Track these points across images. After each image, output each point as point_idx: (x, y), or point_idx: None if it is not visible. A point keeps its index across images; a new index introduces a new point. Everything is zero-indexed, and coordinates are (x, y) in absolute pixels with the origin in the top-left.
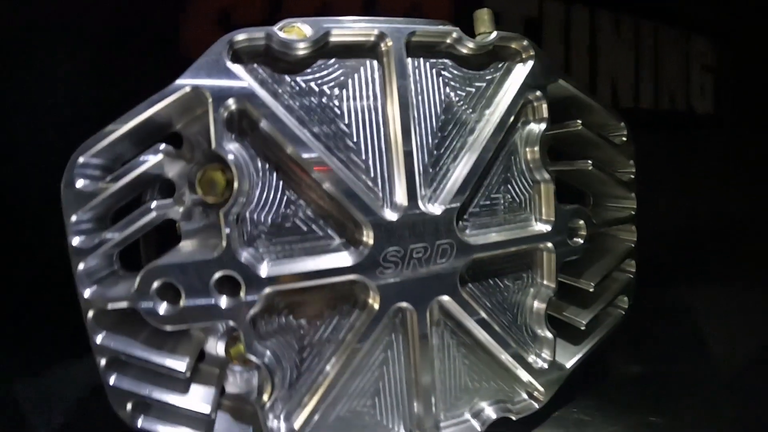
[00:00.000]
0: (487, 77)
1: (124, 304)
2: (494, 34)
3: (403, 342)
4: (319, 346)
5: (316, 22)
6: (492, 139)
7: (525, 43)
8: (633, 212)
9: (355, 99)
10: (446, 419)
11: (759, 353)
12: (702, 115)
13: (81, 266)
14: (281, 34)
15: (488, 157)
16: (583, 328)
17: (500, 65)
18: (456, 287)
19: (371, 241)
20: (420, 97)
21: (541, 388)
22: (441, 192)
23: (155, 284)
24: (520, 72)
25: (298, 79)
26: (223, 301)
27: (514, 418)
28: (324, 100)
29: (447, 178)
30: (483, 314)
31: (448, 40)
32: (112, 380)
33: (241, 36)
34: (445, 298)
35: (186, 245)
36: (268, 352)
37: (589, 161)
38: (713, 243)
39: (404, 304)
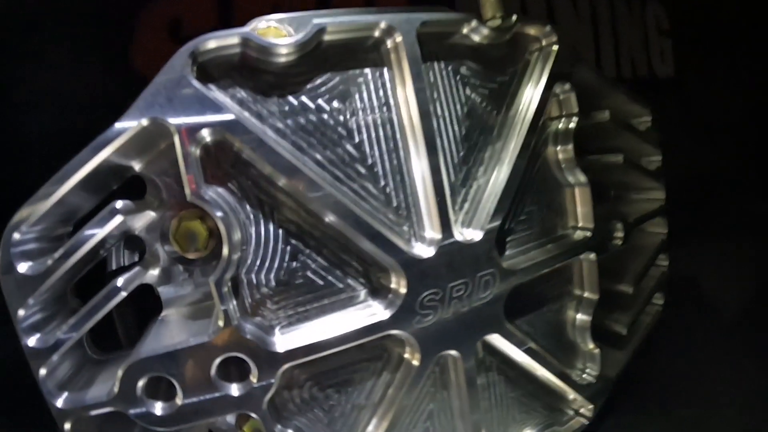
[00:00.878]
0: (508, 70)
1: (107, 410)
2: (513, 18)
3: (448, 390)
4: (354, 414)
5: (301, 19)
6: (525, 144)
7: (547, 28)
8: (663, 203)
9: (363, 113)
10: None
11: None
12: (664, 79)
13: (43, 372)
14: (260, 38)
15: (523, 166)
16: (624, 333)
17: (520, 55)
18: (501, 321)
19: (404, 288)
20: (438, 102)
21: (588, 404)
22: (474, 214)
23: (141, 382)
24: (543, 62)
25: (287, 94)
26: (233, 390)
27: None
28: (324, 117)
29: (479, 196)
30: (529, 343)
31: (465, 30)
32: None
33: (208, 44)
34: (492, 336)
35: (171, 316)
36: None
37: (621, 155)
38: (685, 202)
39: (448, 352)
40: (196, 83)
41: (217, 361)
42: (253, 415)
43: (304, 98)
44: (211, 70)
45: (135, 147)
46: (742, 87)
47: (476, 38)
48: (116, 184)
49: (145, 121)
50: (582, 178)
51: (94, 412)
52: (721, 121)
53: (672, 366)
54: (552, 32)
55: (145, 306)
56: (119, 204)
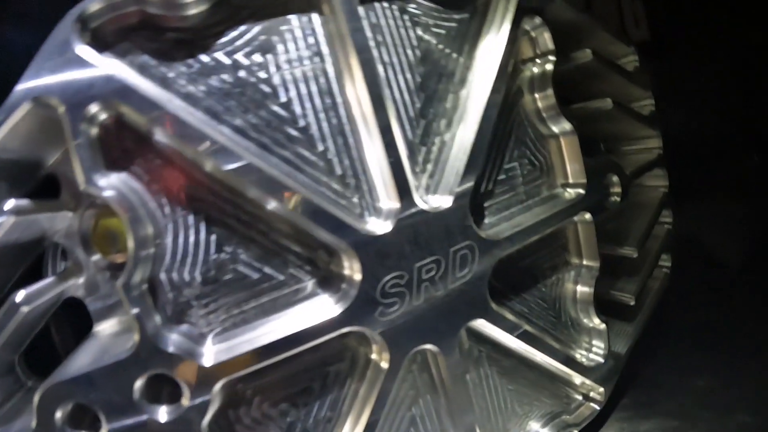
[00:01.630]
0: (468, 6)
1: None
2: None
3: (431, 390)
4: (319, 430)
5: None
6: (495, 91)
7: None
8: (661, 152)
9: (289, 66)
10: None
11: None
12: (639, 43)
13: None
14: None
15: (494, 116)
16: (632, 302)
17: None
18: (487, 303)
19: (359, 274)
20: (384, 47)
21: (599, 387)
22: (441, 176)
23: (59, 413)
24: None
25: (199, 52)
26: (162, 414)
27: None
28: (242, 75)
29: (445, 155)
30: (524, 325)
31: None
32: None
33: (94, 5)
34: (477, 322)
35: (103, 330)
36: None
37: (608, 99)
38: (669, 166)
39: (425, 347)
40: (83, 52)
41: (139, 382)
42: None
43: (218, 55)
44: (104, 35)
45: (31, 135)
46: (720, 47)
47: None
48: (28, 185)
49: (27, 104)
50: (567, 126)
51: None
52: (700, 83)
53: (684, 331)
54: None
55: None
56: (9, 203)
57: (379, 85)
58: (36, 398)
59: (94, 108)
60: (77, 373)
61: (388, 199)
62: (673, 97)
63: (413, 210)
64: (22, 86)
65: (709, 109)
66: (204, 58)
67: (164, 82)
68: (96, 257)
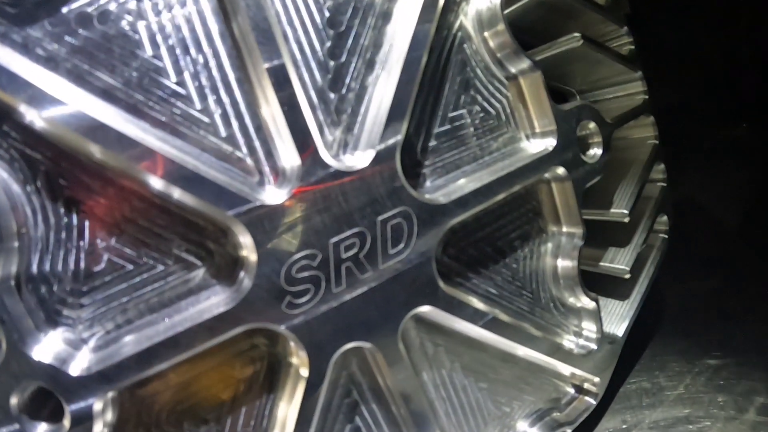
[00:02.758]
0: None
1: None
2: None
3: (375, 397)
4: None
5: None
6: (424, 21)
7: None
8: (646, 97)
9: (159, 11)
10: None
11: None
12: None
13: None
14: None
15: (423, 55)
16: (628, 275)
17: None
18: (435, 285)
19: (253, 255)
20: None
21: (593, 377)
22: (361, 129)
23: None
24: None
25: (59, 6)
26: None
27: (569, 431)
28: (106, 29)
29: (365, 104)
30: (488, 310)
31: None
32: None
33: None
34: (423, 309)
35: None
36: None
37: (576, 34)
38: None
39: (352, 345)
40: None
41: (14, 396)
42: None
43: (76, 6)
44: None
45: None
46: (702, 17)
47: None
48: None
49: None
50: (526, 63)
51: None
52: (683, 54)
53: (687, 305)
54: None
55: None
56: None
57: (268, 23)
58: None
59: None
60: None
61: (289, 158)
62: (657, 68)
63: (322, 172)
64: None
65: (694, 80)
66: (65, 11)
67: (20, 46)
68: None
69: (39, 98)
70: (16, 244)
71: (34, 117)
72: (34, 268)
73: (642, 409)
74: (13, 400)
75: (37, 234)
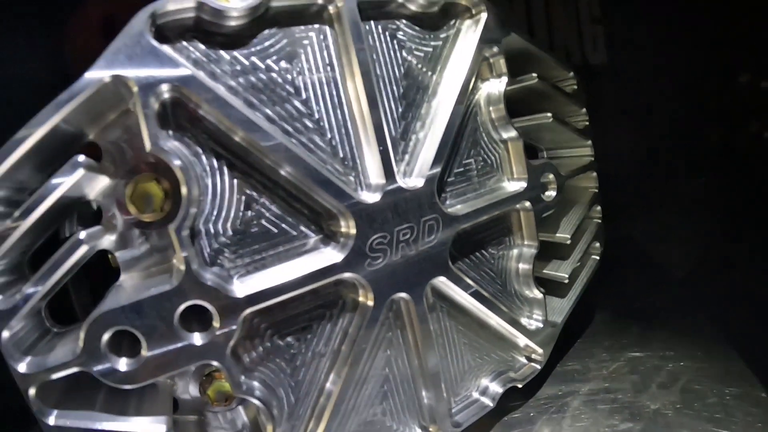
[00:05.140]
0: (441, 36)
1: (72, 370)
2: None
3: (403, 336)
4: (315, 362)
5: None
6: (459, 102)
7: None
8: (592, 158)
9: (309, 72)
10: (456, 404)
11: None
12: (597, 65)
13: (6, 334)
14: (214, 2)
15: (457, 122)
16: (566, 281)
17: (452, 23)
18: (447, 265)
19: (354, 231)
20: (378, 63)
21: (539, 349)
22: (415, 164)
23: (106, 336)
24: (474, 28)
25: (238, 55)
26: (197, 339)
27: (520, 386)
28: (273, 76)
29: (419, 148)
30: (475, 286)
31: (404, 2)
32: None
33: (166, 6)
34: (440, 279)
35: (128, 280)
36: (257, 384)
37: (549, 114)
38: (622, 182)
39: (400, 295)
40: (154, 42)
41: (180, 309)
42: (217, 363)
43: (254, 59)
44: (168, 32)
45: (92, 110)
46: (671, 72)
47: (411, 6)
48: (69, 153)
49: (107, 77)
50: (514, 133)
51: (58, 375)
52: (652, 106)
53: (619, 317)
54: (481, 3)
55: (100, 282)
56: (81, 157)
57: (374, 92)
58: (84, 326)
59: (162, 89)
60: (125, 302)
61: (376, 177)
62: (625, 117)
63: (395, 186)
64: (96, 71)
65: (658, 131)
66: (243, 59)
67: (213, 76)
68: (128, 217)
69: (224, 108)
70: (196, 207)
71: (219, 121)
72: (205, 225)
73: (574, 383)
74: (177, 313)
75: (210, 201)
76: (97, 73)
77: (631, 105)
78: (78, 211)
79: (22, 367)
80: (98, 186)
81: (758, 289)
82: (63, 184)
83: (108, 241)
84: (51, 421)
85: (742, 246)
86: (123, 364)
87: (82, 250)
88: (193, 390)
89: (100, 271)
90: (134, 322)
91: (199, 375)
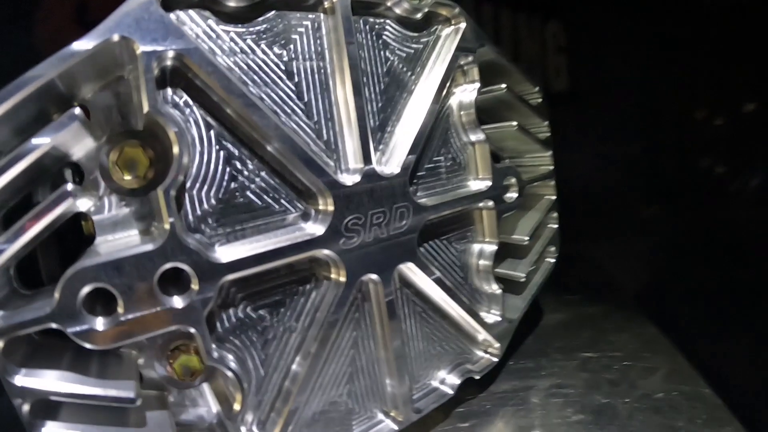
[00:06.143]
0: (423, 40)
1: (42, 326)
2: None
3: (370, 318)
4: (285, 337)
5: None
6: (434, 102)
7: (456, 10)
8: (552, 167)
9: (301, 58)
10: (417, 391)
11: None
12: (559, 93)
13: None
14: None
15: (431, 120)
16: (522, 279)
17: (433, 29)
18: (415, 252)
19: (331, 209)
20: (364, 59)
21: (496, 343)
22: (391, 154)
23: (83, 293)
24: (452, 37)
25: (236, 36)
26: (175, 302)
27: (477, 377)
28: (268, 59)
29: (394, 140)
30: (439, 274)
31: (389, 2)
32: None
33: None
34: (408, 265)
35: (102, 244)
36: (229, 355)
37: (514, 122)
38: (580, 208)
39: (370, 276)
40: (161, 11)
41: (161, 270)
42: (192, 329)
43: (249, 41)
44: (173, 2)
45: (91, 68)
46: (629, 102)
47: (397, 10)
48: (48, 118)
49: (116, 37)
50: (482, 137)
51: (26, 331)
52: (611, 134)
53: (571, 325)
54: (460, 14)
55: (68, 251)
56: (77, 110)
57: (360, 84)
58: (62, 280)
59: (167, 55)
60: (106, 259)
61: (355, 162)
62: (585, 145)
63: (371, 172)
64: (104, 25)
65: (616, 159)
66: (239, 41)
67: (212, 52)
68: (110, 181)
69: (222, 81)
70: (184, 174)
71: (216, 92)
72: (190, 192)
73: (528, 379)
74: (157, 274)
75: (197, 169)
76: (103, 33)
77: (590, 134)
78: (53, 179)
79: None
80: (84, 147)
81: (699, 301)
82: (59, 133)
83: (87, 203)
84: (18, 380)
85: (686, 264)
86: (99, 323)
87: (67, 203)
88: (158, 366)
89: (69, 240)
90: (113, 280)
91: (165, 349)
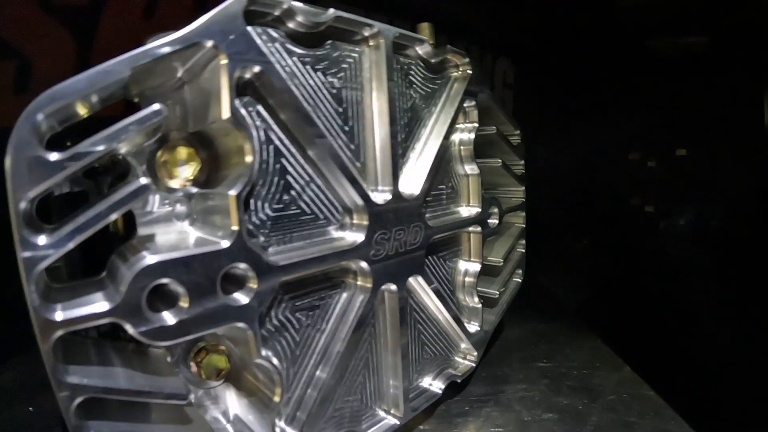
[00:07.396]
0: (437, 81)
1: (102, 321)
2: (447, 47)
3: (383, 324)
4: (315, 338)
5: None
6: (445, 137)
7: (466, 59)
8: (523, 200)
9: (349, 87)
10: (412, 391)
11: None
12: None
13: (35, 272)
14: (302, 6)
15: (443, 153)
16: (496, 296)
17: (446, 74)
18: (423, 265)
19: (366, 223)
20: (396, 93)
21: (474, 351)
22: (410, 180)
23: (149, 288)
24: (461, 81)
25: (299, 57)
26: (236, 300)
27: (459, 381)
28: (322, 83)
29: (414, 168)
30: (436, 284)
31: (417, 46)
32: None
33: None
34: (417, 277)
35: (146, 239)
36: (270, 352)
37: (499, 160)
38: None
39: (389, 286)
40: (245, 25)
41: (225, 269)
42: (244, 325)
43: (308, 63)
44: (254, 18)
45: (163, 68)
46: (568, 142)
47: (421, 53)
48: (120, 97)
49: (209, 43)
50: (476, 170)
51: (86, 325)
52: (549, 172)
53: (533, 339)
54: (469, 63)
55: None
56: (160, 106)
57: (395, 115)
58: (131, 276)
59: (248, 67)
60: (176, 256)
61: (385, 184)
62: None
63: (398, 194)
64: (192, 31)
65: (552, 197)
66: (300, 63)
67: (283, 69)
68: (159, 180)
69: (292, 98)
70: (252, 180)
71: (283, 110)
72: (252, 201)
73: (497, 384)
74: (221, 273)
75: (262, 179)
76: (190, 38)
77: (529, 168)
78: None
79: (56, 316)
80: (133, 142)
81: (633, 317)
82: (143, 126)
83: (156, 199)
84: (69, 377)
85: (617, 288)
86: (171, 318)
87: (142, 198)
88: (183, 366)
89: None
90: (182, 277)
91: (189, 350)
